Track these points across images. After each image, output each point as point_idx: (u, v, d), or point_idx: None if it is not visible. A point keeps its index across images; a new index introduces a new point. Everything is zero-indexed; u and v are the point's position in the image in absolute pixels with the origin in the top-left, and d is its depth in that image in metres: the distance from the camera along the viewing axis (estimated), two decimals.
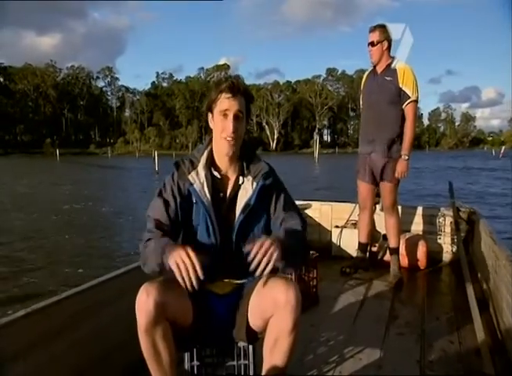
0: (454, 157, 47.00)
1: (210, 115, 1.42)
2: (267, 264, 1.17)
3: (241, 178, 1.42)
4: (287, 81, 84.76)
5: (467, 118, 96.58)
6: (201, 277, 1.16)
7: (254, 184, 1.40)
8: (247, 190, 1.40)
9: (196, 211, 1.39)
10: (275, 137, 79.53)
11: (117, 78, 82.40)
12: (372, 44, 2.92)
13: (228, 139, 1.36)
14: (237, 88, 1.37)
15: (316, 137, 66.98)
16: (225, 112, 1.36)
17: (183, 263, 1.16)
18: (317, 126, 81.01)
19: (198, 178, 1.39)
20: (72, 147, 63.98)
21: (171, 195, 1.39)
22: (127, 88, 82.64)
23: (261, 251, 1.17)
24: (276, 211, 1.43)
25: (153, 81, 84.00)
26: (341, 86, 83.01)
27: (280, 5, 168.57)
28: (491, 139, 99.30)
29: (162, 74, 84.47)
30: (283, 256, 1.21)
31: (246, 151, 1.46)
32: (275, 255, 1.18)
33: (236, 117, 1.36)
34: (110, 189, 18.76)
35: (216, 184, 1.41)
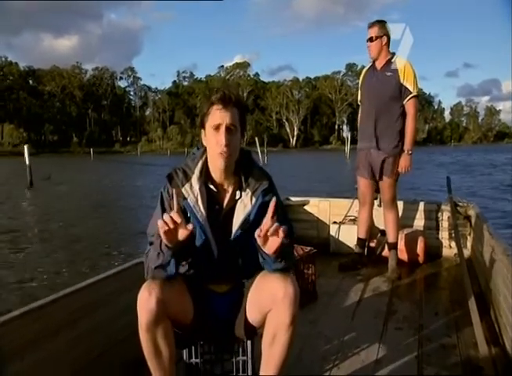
0: (496, 151, 45.89)
1: (202, 131, 1.36)
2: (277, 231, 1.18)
3: (238, 192, 1.37)
4: (307, 78, 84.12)
5: (491, 112, 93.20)
6: (178, 221, 1.17)
7: (254, 199, 1.35)
8: (246, 205, 1.35)
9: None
10: (295, 134, 79.09)
11: (139, 78, 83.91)
12: (370, 39, 2.94)
13: (222, 153, 1.30)
14: (229, 98, 1.30)
15: (347, 134, 65.16)
16: (218, 126, 1.30)
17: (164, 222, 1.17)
18: (337, 122, 79.89)
19: (192, 192, 1.34)
20: (97, 146, 65.47)
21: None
22: (149, 88, 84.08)
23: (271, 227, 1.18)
24: None
25: (174, 80, 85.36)
26: None
27: (291, 1, 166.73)
28: None
29: (183, 72, 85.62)
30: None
31: (245, 162, 1.40)
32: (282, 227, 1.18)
33: (228, 130, 1.29)
34: None
35: (211, 197, 1.36)
